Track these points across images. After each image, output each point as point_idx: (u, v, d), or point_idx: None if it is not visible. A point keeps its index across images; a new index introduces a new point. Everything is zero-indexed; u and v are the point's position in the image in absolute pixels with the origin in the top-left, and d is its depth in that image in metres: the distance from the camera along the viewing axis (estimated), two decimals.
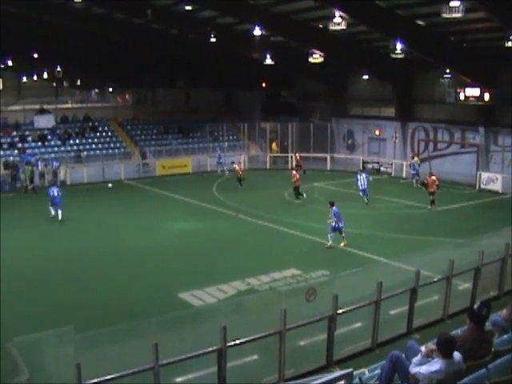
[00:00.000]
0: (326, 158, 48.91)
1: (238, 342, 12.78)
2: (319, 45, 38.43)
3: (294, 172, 36.47)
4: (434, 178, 33.01)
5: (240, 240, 27.10)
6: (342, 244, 25.20)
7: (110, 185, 40.07)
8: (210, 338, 12.63)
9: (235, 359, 13.03)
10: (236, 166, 40.18)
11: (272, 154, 52.33)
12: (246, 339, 13.02)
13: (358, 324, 15.67)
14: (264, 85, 56.91)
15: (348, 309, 14.45)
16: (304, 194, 35.38)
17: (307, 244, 26.23)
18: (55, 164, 44.68)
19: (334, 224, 24.99)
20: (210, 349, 12.46)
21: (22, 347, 10.96)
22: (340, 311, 14.11)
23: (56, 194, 31.35)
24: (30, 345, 11.35)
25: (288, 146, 51.81)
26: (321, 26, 35.99)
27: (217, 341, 12.38)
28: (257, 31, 33.49)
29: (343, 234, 25.23)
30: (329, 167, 48.35)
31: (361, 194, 35.01)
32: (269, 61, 40.74)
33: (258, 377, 13.47)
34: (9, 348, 11.04)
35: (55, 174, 44.28)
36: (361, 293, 15.11)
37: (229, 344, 12.46)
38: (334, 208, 25.14)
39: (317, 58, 38.54)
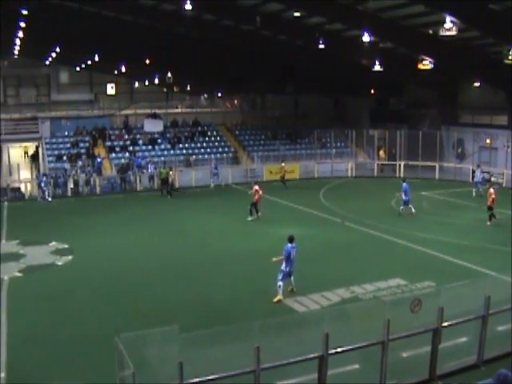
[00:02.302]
0: (434, 167, 47.92)
1: (339, 349, 12.71)
2: (429, 51, 37.69)
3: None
4: (491, 190, 31.20)
5: (345, 247, 26.84)
6: (288, 289, 20.09)
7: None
8: (312, 344, 12.62)
9: (336, 367, 12.94)
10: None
11: (379, 162, 51.74)
12: (348, 347, 12.93)
13: (464, 339, 15.23)
14: (373, 91, 56.37)
15: (454, 322, 14.08)
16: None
17: (413, 254, 25.72)
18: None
19: (283, 267, 19.69)
20: (312, 355, 12.44)
21: (128, 343, 11.28)
22: (445, 324, 13.77)
23: None
24: (136, 341, 11.60)
25: (396, 153, 51.13)
26: (431, 31, 35.33)
27: (318, 347, 12.36)
28: (366, 37, 33.23)
29: (292, 278, 20.10)
30: (437, 176, 47.31)
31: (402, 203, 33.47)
32: (377, 67, 40.30)
33: None
34: (116, 342, 11.40)
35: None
36: (467, 306, 14.70)
37: (330, 351, 12.40)
38: (289, 244, 19.80)
39: (426, 64, 37.84)
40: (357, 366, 13.85)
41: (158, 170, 44.49)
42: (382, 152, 53.05)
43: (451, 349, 14.60)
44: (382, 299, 18.97)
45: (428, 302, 14.17)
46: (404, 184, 33.14)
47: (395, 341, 13.23)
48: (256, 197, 32.74)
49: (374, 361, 13.21)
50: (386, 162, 51.55)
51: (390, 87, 54.57)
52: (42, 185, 40.98)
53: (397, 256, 25.49)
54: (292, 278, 19.99)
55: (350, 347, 12.97)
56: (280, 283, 19.40)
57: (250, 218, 32.63)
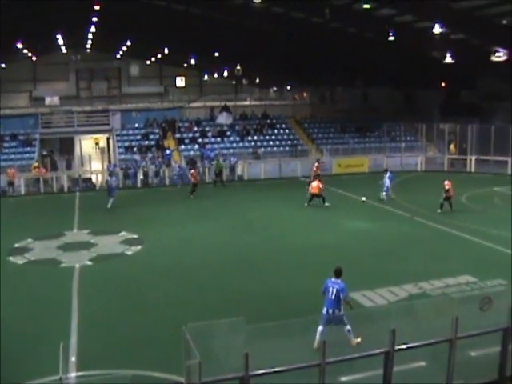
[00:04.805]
0: (507, 162, 46.83)
1: (406, 346, 12.58)
2: (502, 42, 36.76)
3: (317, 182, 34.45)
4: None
5: (414, 242, 26.48)
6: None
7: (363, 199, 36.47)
8: (379, 339, 12.51)
9: (402, 363, 12.79)
10: (194, 173, 39.87)
11: (450, 156, 50.88)
12: (415, 344, 12.78)
13: None
14: (444, 84, 55.37)
15: None
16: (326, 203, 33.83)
17: (485, 251, 25.16)
18: (233, 159, 46.19)
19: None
20: (378, 351, 12.34)
21: (195, 333, 11.42)
22: None
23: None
24: (203, 331, 11.72)
25: (467, 148, 50.19)
26: (505, 21, 34.47)
27: (385, 343, 12.25)
28: (437, 29, 32.68)
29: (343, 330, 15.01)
30: (510, 171, 46.21)
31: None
32: (449, 59, 39.59)
33: None
34: (184, 332, 11.53)
35: (233, 169, 45.74)
36: None
37: (397, 347, 12.27)
38: (331, 279, 15.46)
39: (500, 56, 36.93)
40: (423, 364, 13.66)
41: (214, 162, 44.94)
42: (452, 146, 52.13)
43: None
44: (451, 296, 18.69)
45: (498, 301, 13.88)
46: (388, 173, 36.20)
47: (464, 339, 12.98)
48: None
49: (442, 359, 13.00)
50: (457, 157, 50.65)
51: (462, 80, 53.40)
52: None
53: (467, 252, 25.02)
54: (320, 328, 14.65)
55: (417, 344, 12.80)
56: (347, 327, 14.80)
57: (326, 204, 33.76)
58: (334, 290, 15.00)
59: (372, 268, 22.48)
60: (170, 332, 15.30)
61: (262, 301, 18.99)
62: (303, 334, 12.06)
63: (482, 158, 47.78)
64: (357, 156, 49.45)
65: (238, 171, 46.27)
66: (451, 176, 43.55)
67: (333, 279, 15.32)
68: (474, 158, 48.72)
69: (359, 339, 14.58)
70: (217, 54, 57.04)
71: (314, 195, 33.91)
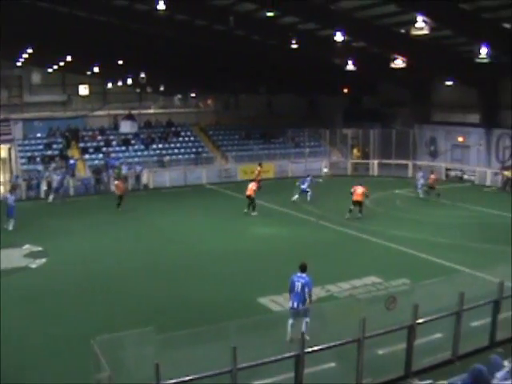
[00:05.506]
0: (407, 165, 48.26)
1: (316, 348, 12.77)
2: (402, 50, 37.89)
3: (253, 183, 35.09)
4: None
5: (320, 246, 26.86)
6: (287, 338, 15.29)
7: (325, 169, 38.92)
8: (289, 343, 12.64)
9: (313, 366, 12.99)
10: (119, 184, 37.66)
11: (353, 161, 52.04)
12: (324, 346, 13.00)
13: (439, 335, 15.35)
14: (346, 90, 56.62)
15: (428, 319, 14.20)
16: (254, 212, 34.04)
17: (388, 252, 25.89)
18: (138, 168, 45.73)
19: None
20: (288, 354, 12.47)
21: (104, 346, 11.28)
22: (420, 321, 13.88)
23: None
24: (112, 344, 11.59)
25: (369, 152, 51.47)
26: (403, 30, 35.55)
27: (295, 346, 12.39)
28: (339, 37, 33.34)
29: (303, 326, 15.13)
30: (410, 174, 47.57)
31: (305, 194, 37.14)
32: (351, 66, 40.50)
33: None
34: (92, 345, 11.35)
35: (138, 177, 45.31)
36: (442, 303, 14.84)
37: (307, 350, 12.44)
38: (296, 274, 16.17)
39: (399, 63, 38.04)
40: (333, 365, 13.88)
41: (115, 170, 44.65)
42: (355, 151, 53.40)
43: (426, 345, 14.72)
44: (358, 297, 19.08)
45: (403, 300, 14.30)
46: (308, 178, 37.78)
47: (371, 338, 13.30)
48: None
49: (351, 359, 13.28)
50: (360, 161, 51.88)
51: (364, 86, 54.84)
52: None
53: (371, 254, 25.61)
54: (303, 326, 15.01)
55: (326, 345, 13.03)
56: (307, 319, 15.26)
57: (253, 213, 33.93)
58: (300, 284, 15.69)
59: (280, 273, 22.58)
60: (79, 345, 14.93)
61: (172, 310, 18.87)
62: (213, 341, 12.04)
63: (383, 161, 49.10)
64: (262, 162, 49.77)
65: (144, 180, 45.85)
66: (354, 180, 44.53)
67: (298, 274, 16.03)
68: (376, 161, 50.02)
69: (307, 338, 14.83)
70: (120, 62, 56.32)
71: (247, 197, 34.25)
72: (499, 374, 9.04)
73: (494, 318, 15.44)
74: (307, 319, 15.20)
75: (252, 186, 34.13)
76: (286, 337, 15.13)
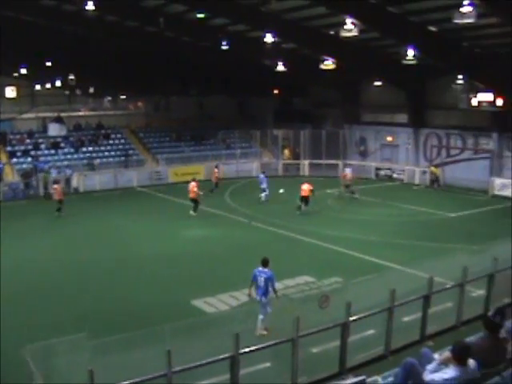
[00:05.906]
0: (337, 165, 48.81)
1: (250, 349, 12.77)
2: (331, 51, 38.33)
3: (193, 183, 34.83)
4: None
5: (253, 247, 26.81)
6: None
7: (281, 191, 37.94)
8: (223, 345, 12.60)
9: (248, 366, 13.00)
10: (58, 188, 35.95)
11: (284, 161, 52.32)
12: (259, 346, 13.02)
13: (371, 331, 15.58)
14: (277, 92, 56.94)
15: (361, 316, 14.40)
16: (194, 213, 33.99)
17: (320, 251, 26.15)
18: (68, 171, 44.98)
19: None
20: (223, 356, 12.43)
21: (35, 354, 11.04)
22: (353, 318, 14.06)
23: None
24: (44, 352, 11.37)
25: (300, 152, 51.87)
26: (332, 32, 35.94)
27: (229, 348, 12.37)
28: (268, 38, 33.44)
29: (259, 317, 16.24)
30: (340, 174, 48.13)
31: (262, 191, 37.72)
32: (281, 68, 40.68)
33: None
34: (22, 355, 11.08)
35: (68, 181, 44.53)
36: (374, 300, 15.05)
37: (241, 351, 12.43)
38: (258, 268, 17.07)
39: (329, 64, 38.40)
40: (268, 365, 13.92)
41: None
42: (286, 151, 53.69)
43: (360, 342, 14.94)
44: (291, 297, 19.19)
45: (336, 298, 14.43)
46: (261, 176, 38.70)
47: (305, 337, 13.39)
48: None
49: (285, 358, 13.33)
50: (291, 162, 52.20)
51: (295, 88, 55.27)
52: None
53: (304, 254, 25.84)
54: (260, 316, 16.11)
55: (261, 346, 13.06)
56: (261, 316, 16.07)
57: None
58: (262, 279, 16.38)
59: (213, 274, 22.69)
60: (11, 355, 14.57)
61: (104, 315, 18.56)
62: (147, 345, 11.89)
63: (314, 162, 49.57)
64: (193, 164, 49.53)
65: (74, 183, 45.09)
66: (285, 180, 44.91)
67: (260, 268, 16.71)
68: (307, 162, 50.47)
69: (265, 332, 15.67)
70: (49, 64, 55.30)
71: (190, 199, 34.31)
72: (430, 367, 9.23)
73: (425, 312, 15.78)
74: (262, 316, 16.00)
75: (193, 188, 34.24)
76: (256, 331, 15.77)
